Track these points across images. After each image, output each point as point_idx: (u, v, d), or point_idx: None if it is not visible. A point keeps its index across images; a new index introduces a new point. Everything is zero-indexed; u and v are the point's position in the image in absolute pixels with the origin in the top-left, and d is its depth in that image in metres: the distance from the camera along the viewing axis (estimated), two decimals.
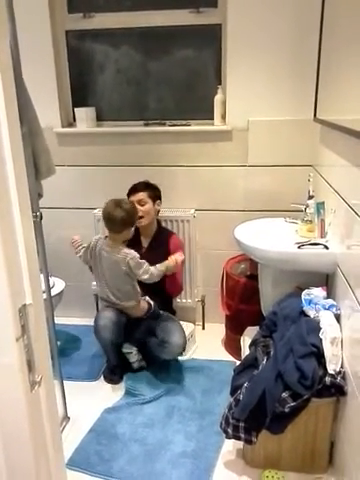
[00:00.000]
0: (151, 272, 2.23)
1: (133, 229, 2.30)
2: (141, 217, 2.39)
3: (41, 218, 1.71)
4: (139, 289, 2.32)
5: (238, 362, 2.27)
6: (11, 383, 0.80)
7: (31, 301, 0.79)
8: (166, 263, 2.27)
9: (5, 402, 0.82)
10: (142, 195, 2.41)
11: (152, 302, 2.39)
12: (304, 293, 1.80)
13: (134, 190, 2.43)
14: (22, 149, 0.79)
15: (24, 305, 0.78)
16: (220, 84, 2.51)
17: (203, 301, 2.83)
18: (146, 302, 2.37)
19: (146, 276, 2.23)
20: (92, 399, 2.23)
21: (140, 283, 2.31)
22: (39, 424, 0.89)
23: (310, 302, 1.75)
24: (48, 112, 2.40)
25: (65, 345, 2.64)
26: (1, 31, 0.71)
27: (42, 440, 0.92)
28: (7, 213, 0.73)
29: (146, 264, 2.23)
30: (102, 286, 2.32)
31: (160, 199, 2.49)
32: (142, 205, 2.40)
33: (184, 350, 2.38)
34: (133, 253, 2.23)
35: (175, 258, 2.29)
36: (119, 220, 2.20)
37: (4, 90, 0.72)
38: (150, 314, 2.37)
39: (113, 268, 2.25)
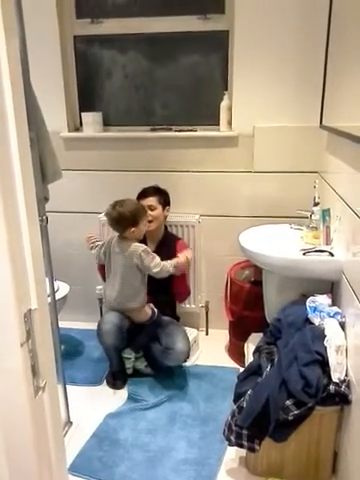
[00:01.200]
0: (162, 266, 2.22)
1: (141, 228, 2.27)
2: (150, 221, 2.40)
3: (47, 222, 1.71)
4: (146, 292, 2.31)
5: (241, 369, 2.25)
6: (15, 388, 0.79)
7: (36, 306, 0.79)
8: (176, 259, 2.27)
9: (9, 407, 0.82)
10: (152, 200, 2.42)
11: (156, 309, 2.38)
12: (309, 300, 1.79)
13: (144, 194, 2.44)
14: (30, 154, 0.79)
15: (29, 310, 0.78)
16: (226, 90, 2.52)
17: (207, 307, 2.82)
18: (150, 308, 2.37)
19: (157, 269, 2.21)
20: (95, 404, 2.23)
21: (147, 286, 2.31)
22: (42, 430, 0.89)
23: (315, 309, 1.74)
24: (55, 117, 2.41)
25: (68, 349, 2.64)
26: (11, 36, 0.71)
27: (45, 446, 0.92)
28: (14, 217, 0.73)
29: (157, 257, 2.24)
30: (111, 284, 2.32)
31: (169, 205, 2.51)
32: (152, 210, 2.41)
33: (188, 357, 2.37)
34: (144, 246, 2.25)
35: (185, 254, 2.30)
36: (115, 220, 2.22)
37: (13, 95, 0.72)
38: (152, 321, 2.36)
39: (125, 263, 2.25)
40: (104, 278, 2.45)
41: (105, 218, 2.33)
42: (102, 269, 2.44)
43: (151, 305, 2.39)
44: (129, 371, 2.38)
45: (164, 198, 2.47)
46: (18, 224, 0.75)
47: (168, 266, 2.23)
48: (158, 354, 2.33)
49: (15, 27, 0.77)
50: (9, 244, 0.71)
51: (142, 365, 2.40)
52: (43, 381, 0.84)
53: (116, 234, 2.32)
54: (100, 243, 2.38)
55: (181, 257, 2.28)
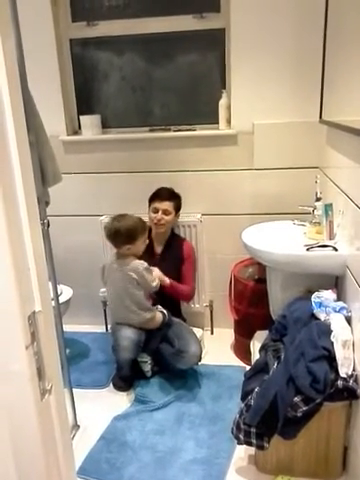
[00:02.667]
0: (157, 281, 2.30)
1: (138, 246, 2.28)
2: (161, 225, 2.41)
3: (48, 226, 1.71)
4: (151, 302, 2.34)
5: (248, 367, 2.25)
6: (21, 391, 0.79)
7: (40, 308, 0.79)
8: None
9: (15, 411, 0.81)
10: (168, 205, 2.43)
11: (165, 311, 2.39)
12: (314, 296, 1.78)
13: (161, 197, 2.44)
14: (30, 157, 0.78)
15: (33, 312, 0.77)
16: (224, 88, 2.51)
17: (211, 306, 2.81)
18: (160, 312, 2.37)
19: (154, 283, 2.27)
20: (101, 407, 2.22)
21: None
22: (50, 433, 0.89)
23: (320, 305, 1.73)
24: (54, 120, 2.40)
25: (74, 353, 2.63)
26: (7, 40, 0.71)
27: (53, 449, 0.91)
28: (15, 220, 0.73)
29: (155, 271, 2.28)
30: (115, 302, 2.33)
31: (180, 209, 2.51)
32: (167, 215, 2.43)
33: (200, 360, 2.36)
34: (145, 263, 2.26)
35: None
36: (114, 234, 2.22)
37: (11, 99, 0.72)
38: (165, 323, 2.37)
39: (124, 280, 2.25)
40: None
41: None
42: None
43: (160, 307, 2.38)
44: (148, 374, 2.37)
45: (178, 204, 2.49)
46: (19, 226, 0.75)
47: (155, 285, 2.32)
48: (170, 357, 2.32)
49: (10, 28, 0.76)
50: (11, 246, 0.71)
51: (149, 367, 2.39)
52: (49, 384, 0.83)
53: (113, 252, 2.33)
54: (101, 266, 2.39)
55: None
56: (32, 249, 0.76)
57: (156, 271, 2.35)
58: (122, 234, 2.21)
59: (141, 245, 2.28)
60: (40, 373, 0.81)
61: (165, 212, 2.42)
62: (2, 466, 0.88)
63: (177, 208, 2.48)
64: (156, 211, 2.43)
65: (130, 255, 2.26)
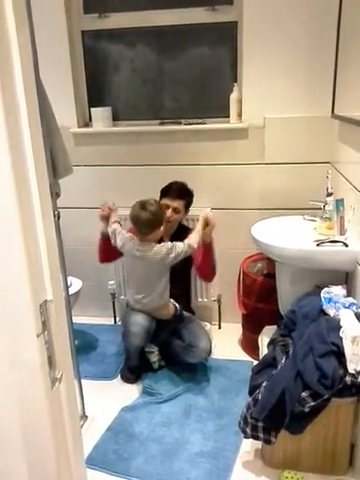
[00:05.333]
0: (188, 243, 2.16)
1: (161, 230, 2.23)
2: (170, 222, 2.38)
3: (59, 217, 1.71)
4: (169, 289, 2.29)
5: (255, 362, 2.25)
6: (32, 379, 0.80)
7: (52, 297, 0.79)
8: (197, 229, 2.22)
9: (26, 399, 0.82)
10: (179, 204, 2.39)
11: (177, 305, 2.38)
12: (323, 291, 1.77)
13: (172, 195, 2.39)
14: (43, 147, 0.79)
15: (45, 301, 0.78)
16: (236, 82, 2.50)
17: (219, 300, 2.81)
18: (172, 305, 2.37)
19: (186, 248, 2.15)
20: (110, 398, 2.24)
21: None
22: (59, 421, 0.89)
23: (330, 300, 1.72)
24: (64, 112, 2.40)
25: (82, 344, 2.65)
26: (22, 29, 0.71)
27: (62, 437, 0.92)
28: (29, 211, 0.73)
29: (178, 244, 2.16)
30: (136, 288, 2.31)
31: (190, 205, 2.48)
32: (176, 213, 2.39)
33: (210, 354, 2.36)
34: (166, 245, 2.18)
35: (202, 219, 2.22)
36: (146, 222, 2.14)
37: (26, 91, 0.72)
38: (176, 317, 2.37)
39: (149, 267, 2.20)
40: (103, 256, 2.44)
41: (129, 217, 2.22)
42: (105, 245, 2.37)
43: (172, 301, 2.38)
44: (155, 366, 2.38)
45: (189, 202, 2.45)
46: (32, 217, 0.75)
47: (193, 239, 2.17)
48: (180, 350, 2.32)
49: (27, 22, 0.76)
50: (24, 236, 0.71)
51: (156, 358, 2.40)
52: (60, 372, 0.84)
53: (126, 235, 2.25)
54: (117, 222, 2.31)
55: (199, 225, 2.22)
56: (44, 239, 0.77)
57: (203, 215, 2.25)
58: (159, 218, 2.17)
59: (161, 228, 2.22)
60: (51, 362, 0.81)
61: (175, 210, 2.39)
62: (12, 453, 0.89)
63: (187, 206, 2.45)
64: (167, 208, 2.40)
65: (152, 240, 2.19)
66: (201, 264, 2.38)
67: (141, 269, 2.24)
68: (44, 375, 0.80)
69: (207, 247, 2.32)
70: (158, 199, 2.43)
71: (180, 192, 2.41)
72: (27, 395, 0.82)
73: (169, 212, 2.38)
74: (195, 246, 2.17)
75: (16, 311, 0.74)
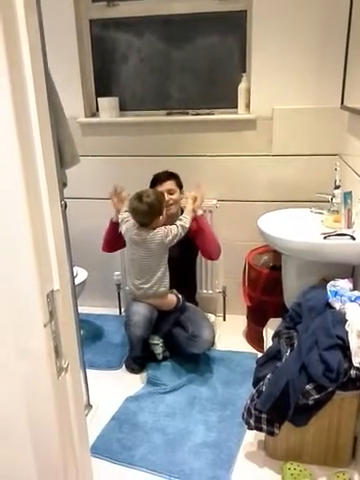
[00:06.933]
0: (181, 224, 2.24)
1: (163, 216, 2.25)
2: (171, 205, 2.39)
3: (65, 207, 1.71)
4: (168, 277, 2.30)
5: (259, 354, 2.26)
6: (39, 369, 0.80)
7: (59, 287, 0.79)
8: (187, 209, 2.31)
9: (33, 387, 0.83)
10: (170, 184, 2.41)
11: (180, 295, 2.38)
12: (330, 285, 1.77)
13: (160, 180, 2.42)
14: (51, 137, 0.78)
15: (52, 291, 0.78)
16: (244, 72, 2.47)
17: (224, 292, 2.81)
18: (174, 295, 2.37)
19: (180, 229, 2.23)
20: (114, 388, 2.25)
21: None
22: (65, 410, 0.90)
23: (336, 294, 1.71)
24: (72, 102, 2.38)
25: (87, 334, 2.67)
26: (30, 12, 0.70)
27: (68, 426, 0.93)
28: (36, 200, 0.73)
29: (173, 227, 2.24)
30: (135, 274, 2.31)
31: (182, 187, 2.49)
32: (171, 194, 2.40)
33: (213, 345, 2.36)
34: (160, 229, 2.23)
35: (189, 196, 2.32)
36: (143, 214, 2.19)
37: (34, 79, 0.71)
38: (179, 307, 2.37)
39: (148, 252, 2.23)
40: (107, 245, 2.46)
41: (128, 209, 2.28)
42: (111, 233, 2.41)
43: (175, 291, 2.38)
44: (160, 357, 2.39)
45: (179, 181, 2.46)
46: (40, 206, 0.75)
47: (183, 223, 2.25)
48: (183, 341, 2.33)
49: (34, 7, 0.75)
50: (32, 226, 0.71)
51: (160, 350, 2.41)
52: (66, 362, 0.85)
53: (130, 221, 2.28)
54: (126, 210, 2.34)
55: (188, 205, 2.32)
56: (52, 229, 0.77)
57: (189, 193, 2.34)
58: (157, 207, 2.20)
59: (160, 218, 2.25)
60: (57, 351, 0.82)
61: (170, 192, 2.40)
62: (18, 441, 0.90)
63: (179, 185, 2.45)
64: (162, 194, 2.41)
65: (154, 227, 2.23)
66: (200, 241, 2.40)
67: (141, 254, 2.26)
68: (51, 364, 0.81)
69: (200, 222, 2.36)
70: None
71: (167, 174, 2.44)
72: (34, 384, 0.82)
73: (166, 196, 2.38)
74: (188, 225, 2.26)
75: (24, 301, 0.74)
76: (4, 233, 0.71)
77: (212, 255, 2.47)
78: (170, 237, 2.21)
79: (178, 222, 2.26)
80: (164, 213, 2.25)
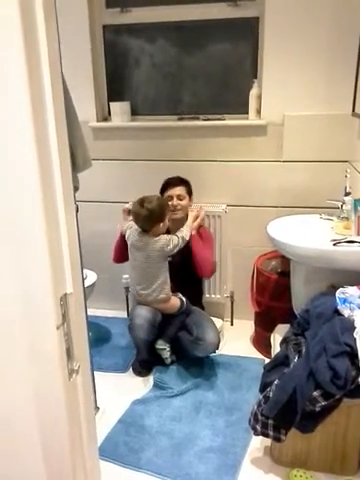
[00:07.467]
0: (182, 236, 2.29)
1: (165, 224, 2.28)
2: (179, 210, 2.41)
3: (77, 211, 1.73)
4: (169, 282, 2.32)
5: (267, 359, 2.26)
6: (51, 370, 0.81)
7: (72, 290, 0.81)
8: (187, 223, 2.38)
9: (45, 388, 0.84)
10: (180, 190, 2.43)
11: (184, 298, 2.39)
12: (338, 292, 1.76)
13: (171, 184, 2.45)
14: (67, 140, 0.80)
15: (65, 294, 0.79)
16: (256, 78, 2.48)
17: (232, 297, 2.81)
18: (178, 299, 2.38)
19: (180, 240, 2.27)
20: (121, 390, 2.26)
21: (172, 278, 2.32)
22: (75, 411, 0.91)
23: (345, 301, 1.71)
24: (84, 106, 2.41)
25: (95, 336, 2.68)
26: (50, 18, 0.71)
27: (77, 427, 0.94)
28: (52, 205, 0.74)
29: (173, 237, 2.28)
30: (136, 279, 2.34)
31: (192, 194, 2.50)
32: (181, 199, 2.43)
33: (218, 348, 2.37)
34: (163, 237, 2.26)
35: (194, 215, 2.41)
36: (144, 219, 2.22)
37: (52, 85, 0.73)
38: (183, 311, 2.38)
39: (148, 258, 2.26)
40: (118, 255, 2.48)
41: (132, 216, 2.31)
42: (122, 243, 2.42)
43: (179, 295, 2.40)
44: (168, 361, 2.39)
45: (189, 188, 2.48)
46: (55, 211, 0.76)
47: (184, 234, 2.30)
48: (188, 344, 2.33)
49: (53, 14, 0.77)
50: (48, 231, 0.73)
51: (168, 354, 2.42)
52: (77, 364, 0.86)
53: (134, 227, 2.31)
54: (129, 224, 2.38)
55: (189, 220, 2.40)
56: (67, 234, 0.78)
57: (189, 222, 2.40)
58: (158, 213, 2.22)
59: (167, 222, 2.29)
60: (69, 353, 0.83)
61: (179, 197, 2.42)
62: (28, 441, 0.91)
63: (189, 193, 2.48)
64: (171, 199, 2.43)
65: (156, 234, 2.26)
66: (192, 257, 2.40)
67: (142, 260, 2.28)
68: (62, 366, 0.82)
69: (193, 242, 2.39)
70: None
71: (178, 179, 2.46)
72: (45, 385, 0.83)
73: (175, 201, 2.41)
74: (187, 238, 2.32)
75: (38, 303, 0.76)
76: (21, 237, 0.72)
77: (203, 273, 2.47)
78: (171, 246, 2.25)
79: (179, 233, 2.31)
80: (166, 220, 2.28)
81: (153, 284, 2.29)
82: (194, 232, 2.39)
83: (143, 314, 2.30)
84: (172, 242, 2.26)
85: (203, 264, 2.42)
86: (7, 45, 0.65)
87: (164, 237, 2.26)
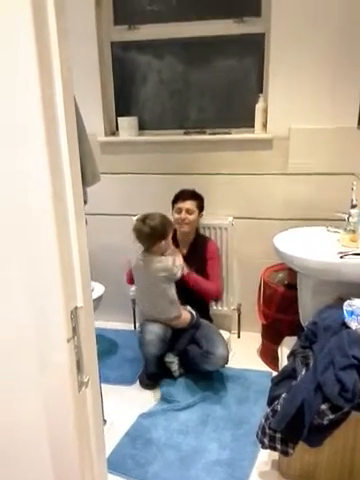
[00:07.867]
0: (182, 268, 2.31)
1: (167, 241, 2.29)
2: (186, 224, 2.43)
3: (86, 224, 1.74)
4: (178, 299, 2.33)
5: (274, 372, 2.25)
6: (61, 383, 0.82)
7: (82, 304, 0.82)
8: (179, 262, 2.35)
9: (54, 401, 0.85)
10: (191, 204, 2.45)
11: (194, 312, 2.40)
12: (346, 304, 1.76)
13: (183, 197, 2.47)
14: (78, 154, 0.82)
15: (75, 308, 0.80)
16: (261, 92, 2.51)
17: (239, 309, 2.82)
18: (188, 312, 2.39)
19: (179, 274, 2.28)
20: (128, 403, 2.26)
21: (179, 292, 2.33)
22: (85, 424, 0.92)
23: (352, 313, 1.71)
24: (92, 121, 2.44)
25: (102, 349, 2.68)
26: (63, 37, 0.74)
27: (87, 440, 0.94)
28: (64, 219, 0.76)
29: (176, 268, 2.28)
30: (143, 299, 2.36)
31: (203, 210, 2.52)
32: (190, 214, 2.45)
33: (227, 362, 2.36)
34: (167, 259, 2.27)
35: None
36: (145, 237, 2.23)
37: (64, 101, 0.75)
38: (193, 324, 2.38)
39: (152, 280, 2.27)
40: (131, 278, 2.49)
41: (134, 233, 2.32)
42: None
43: (188, 308, 2.40)
44: (176, 374, 2.39)
45: (200, 203, 2.50)
46: (67, 224, 0.78)
47: (184, 270, 2.33)
48: (197, 357, 2.33)
49: (66, 32, 0.79)
50: (59, 245, 0.74)
51: (176, 367, 2.41)
52: (87, 377, 0.87)
53: (139, 251, 2.33)
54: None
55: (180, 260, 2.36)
56: (78, 247, 0.79)
57: (179, 259, 2.35)
58: (159, 231, 2.23)
59: (170, 241, 2.31)
60: (79, 366, 0.84)
61: (188, 211, 2.44)
62: (38, 453, 0.92)
63: (200, 207, 2.49)
64: (180, 211, 2.45)
65: (158, 253, 2.27)
66: (196, 292, 2.46)
67: (145, 280, 2.30)
68: (72, 379, 0.83)
69: (190, 280, 2.41)
70: (171, 209, 2.48)
71: (190, 193, 2.48)
72: (55, 398, 0.84)
73: (183, 214, 2.43)
74: (185, 273, 2.34)
75: (49, 316, 0.77)
76: (32, 251, 0.74)
77: (210, 298, 2.60)
78: (173, 273, 2.25)
79: (179, 265, 2.29)
80: (169, 238, 2.28)
81: (159, 304, 2.31)
82: (186, 271, 2.36)
83: (154, 330, 2.31)
84: (172, 271, 2.25)
85: (208, 293, 2.52)
86: (24, 66, 0.67)
87: (167, 262, 2.25)
